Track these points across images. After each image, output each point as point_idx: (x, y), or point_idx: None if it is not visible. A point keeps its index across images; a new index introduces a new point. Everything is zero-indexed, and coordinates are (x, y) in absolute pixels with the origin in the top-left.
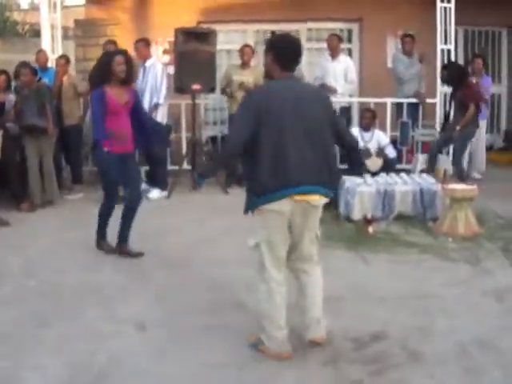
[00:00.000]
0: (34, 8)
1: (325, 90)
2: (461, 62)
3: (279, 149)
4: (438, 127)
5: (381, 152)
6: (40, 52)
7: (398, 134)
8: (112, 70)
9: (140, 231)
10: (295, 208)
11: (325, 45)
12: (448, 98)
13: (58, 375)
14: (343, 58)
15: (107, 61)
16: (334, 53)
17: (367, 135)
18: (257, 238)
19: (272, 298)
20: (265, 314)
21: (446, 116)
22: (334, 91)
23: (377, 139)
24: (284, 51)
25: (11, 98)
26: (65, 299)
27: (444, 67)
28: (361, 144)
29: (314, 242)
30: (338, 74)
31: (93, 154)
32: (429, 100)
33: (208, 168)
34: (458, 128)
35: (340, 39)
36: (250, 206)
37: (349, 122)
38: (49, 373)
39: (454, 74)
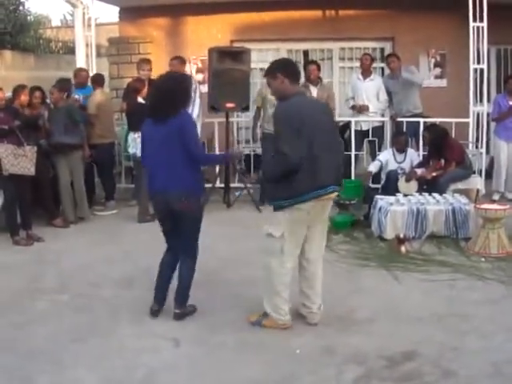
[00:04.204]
0: (67, 25)
1: (358, 110)
2: (493, 81)
3: (312, 156)
4: (470, 146)
5: (414, 174)
6: (81, 70)
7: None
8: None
9: None
10: (318, 206)
11: (357, 64)
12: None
13: None
14: (375, 78)
15: (189, 87)
16: (366, 72)
17: (400, 156)
18: (281, 228)
19: (284, 277)
20: (276, 290)
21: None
22: (366, 110)
23: (410, 159)
24: (292, 68)
25: (45, 114)
26: (100, 314)
27: (425, 129)
28: (394, 166)
29: (325, 236)
30: (370, 94)
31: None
32: (462, 119)
33: (269, 189)
34: (432, 175)
35: (372, 59)
36: (281, 206)
37: (381, 141)
38: None
39: (436, 137)
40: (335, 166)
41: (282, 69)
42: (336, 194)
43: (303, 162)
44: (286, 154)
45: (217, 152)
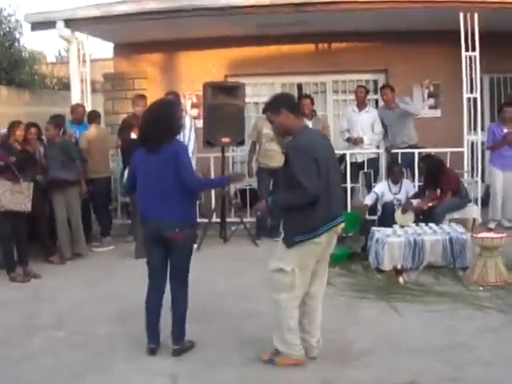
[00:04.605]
0: (61, 61)
1: (353, 142)
2: (487, 109)
3: (327, 189)
4: (465, 176)
5: (410, 205)
6: (78, 106)
7: None
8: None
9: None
10: (327, 238)
11: (351, 96)
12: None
13: None
14: (370, 110)
15: (178, 112)
16: (361, 104)
17: (395, 188)
18: (292, 263)
19: (294, 313)
20: (288, 327)
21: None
22: (360, 142)
23: (405, 190)
24: (294, 102)
25: (41, 150)
26: (97, 351)
27: (421, 160)
28: (390, 197)
29: (327, 271)
30: (365, 126)
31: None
32: (456, 149)
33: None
34: (428, 205)
35: (367, 91)
36: (296, 242)
37: (376, 173)
38: None
39: (432, 167)
40: (341, 197)
41: (285, 103)
42: (343, 224)
43: (320, 194)
44: (306, 187)
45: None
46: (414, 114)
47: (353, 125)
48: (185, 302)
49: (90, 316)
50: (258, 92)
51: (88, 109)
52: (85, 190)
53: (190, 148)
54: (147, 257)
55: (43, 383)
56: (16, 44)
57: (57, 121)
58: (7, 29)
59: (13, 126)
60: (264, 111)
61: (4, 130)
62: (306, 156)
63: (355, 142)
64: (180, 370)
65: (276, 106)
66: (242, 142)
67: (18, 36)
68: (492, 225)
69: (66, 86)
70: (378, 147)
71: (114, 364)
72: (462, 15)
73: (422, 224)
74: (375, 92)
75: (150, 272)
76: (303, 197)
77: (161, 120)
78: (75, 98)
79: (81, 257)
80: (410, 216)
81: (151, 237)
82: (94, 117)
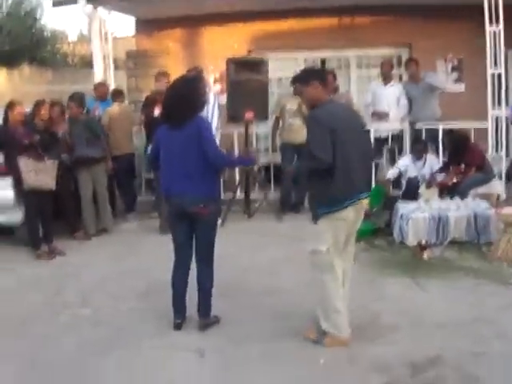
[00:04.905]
0: (83, 40)
1: (378, 117)
2: (511, 84)
3: (346, 162)
4: (490, 150)
5: (434, 180)
6: (101, 85)
7: None
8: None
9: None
10: (353, 213)
11: (374, 71)
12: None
13: None
14: (395, 84)
15: (201, 87)
16: (387, 79)
17: (419, 163)
18: (326, 242)
19: (339, 292)
20: (335, 308)
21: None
22: (385, 116)
23: (430, 165)
24: (325, 76)
25: (65, 128)
26: (121, 327)
27: (445, 134)
28: (414, 172)
29: (354, 246)
30: (390, 100)
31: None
32: (480, 125)
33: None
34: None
35: (393, 65)
36: (320, 215)
37: (400, 148)
38: None
39: (456, 142)
40: (366, 171)
41: (315, 75)
42: (368, 199)
43: (337, 165)
44: (319, 157)
45: None
46: (440, 88)
47: (378, 99)
48: (211, 278)
49: (114, 292)
50: (280, 67)
51: (111, 86)
52: (110, 167)
53: (214, 124)
54: (172, 233)
55: (68, 360)
56: (37, 23)
57: (79, 99)
58: (28, 8)
59: (37, 105)
60: (293, 82)
61: (28, 109)
62: (322, 126)
63: (380, 116)
64: (205, 344)
65: (306, 77)
66: (265, 118)
67: (39, 16)
68: None
69: (87, 64)
70: (402, 122)
71: (138, 340)
72: None
73: (447, 199)
74: (399, 66)
75: (176, 248)
76: (316, 164)
77: (184, 96)
78: (98, 76)
79: (105, 233)
80: (435, 191)
81: (175, 213)
82: (117, 95)
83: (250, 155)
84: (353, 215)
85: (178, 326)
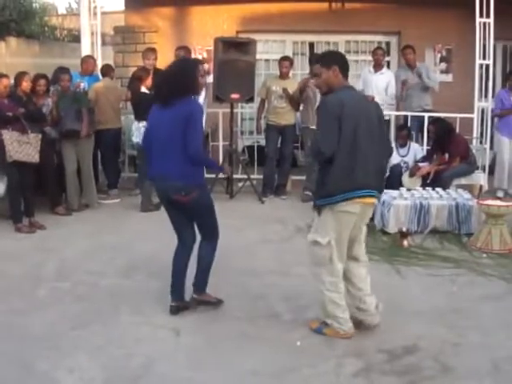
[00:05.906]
0: (72, 13)
1: None
2: (499, 76)
3: (350, 154)
4: (474, 142)
5: (417, 168)
6: (88, 58)
7: None
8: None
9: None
10: (360, 209)
11: (363, 57)
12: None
13: (93, 378)
14: (386, 71)
15: (195, 70)
16: (378, 66)
17: (403, 150)
18: (327, 237)
19: (338, 286)
20: (332, 300)
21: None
22: (371, 100)
23: (413, 153)
24: (346, 63)
25: (49, 102)
26: (100, 303)
27: (431, 123)
28: (397, 159)
29: (363, 243)
30: (379, 87)
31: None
32: (466, 115)
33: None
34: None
35: (384, 52)
36: (320, 206)
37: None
38: (84, 375)
39: (441, 131)
40: (375, 168)
41: (339, 61)
42: (375, 199)
43: (338, 155)
44: (318, 144)
45: (220, 143)
46: (432, 87)
47: (367, 85)
48: (210, 255)
49: (94, 268)
50: (268, 49)
51: (98, 61)
52: (92, 138)
53: (200, 102)
54: (168, 215)
55: (46, 333)
56: None
57: (68, 72)
58: None
59: (18, 77)
60: (316, 62)
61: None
62: (329, 113)
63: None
64: (183, 324)
65: (329, 60)
66: (251, 99)
67: None
68: (500, 194)
69: (75, 38)
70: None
71: (117, 316)
72: None
73: (429, 188)
74: (387, 54)
75: (174, 230)
76: (314, 152)
77: (174, 75)
78: (85, 51)
79: (87, 208)
80: (417, 179)
81: (161, 198)
82: (108, 70)
83: (224, 167)
84: (360, 211)
85: (174, 311)
